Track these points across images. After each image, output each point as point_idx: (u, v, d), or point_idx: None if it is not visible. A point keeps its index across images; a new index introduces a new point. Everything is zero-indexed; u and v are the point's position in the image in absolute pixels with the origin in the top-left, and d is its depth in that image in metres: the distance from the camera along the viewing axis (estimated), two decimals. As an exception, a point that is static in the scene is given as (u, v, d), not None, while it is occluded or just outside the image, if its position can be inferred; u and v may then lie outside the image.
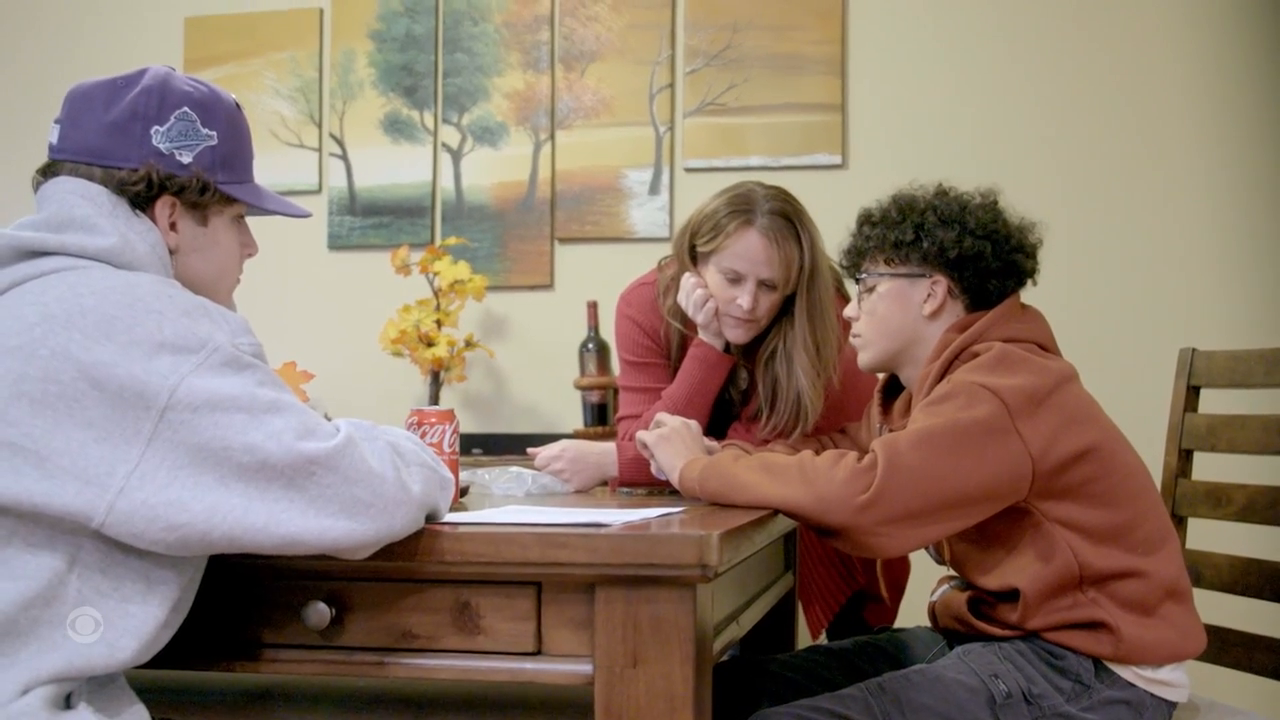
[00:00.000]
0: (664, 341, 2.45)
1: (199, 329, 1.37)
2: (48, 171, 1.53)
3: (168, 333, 1.35)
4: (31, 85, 4.17)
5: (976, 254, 1.96)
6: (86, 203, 1.47)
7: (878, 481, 1.72)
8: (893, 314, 2.01)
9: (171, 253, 1.54)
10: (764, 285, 2.29)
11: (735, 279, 2.29)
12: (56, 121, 1.54)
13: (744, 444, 2.17)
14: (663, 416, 2.12)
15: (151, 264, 1.49)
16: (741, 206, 2.29)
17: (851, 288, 2.16)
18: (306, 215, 1.73)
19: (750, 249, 2.27)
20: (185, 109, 1.54)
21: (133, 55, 4.11)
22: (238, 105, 1.62)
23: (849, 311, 2.09)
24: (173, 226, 1.54)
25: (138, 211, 1.51)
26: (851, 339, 2.09)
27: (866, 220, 2.07)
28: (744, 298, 2.28)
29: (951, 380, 1.86)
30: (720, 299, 2.31)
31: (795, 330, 2.33)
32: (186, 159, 1.54)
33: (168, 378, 1.33)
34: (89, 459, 1.31)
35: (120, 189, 1.50)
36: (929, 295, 1.98)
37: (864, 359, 2.06)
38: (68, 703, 1.34)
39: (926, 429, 1.78)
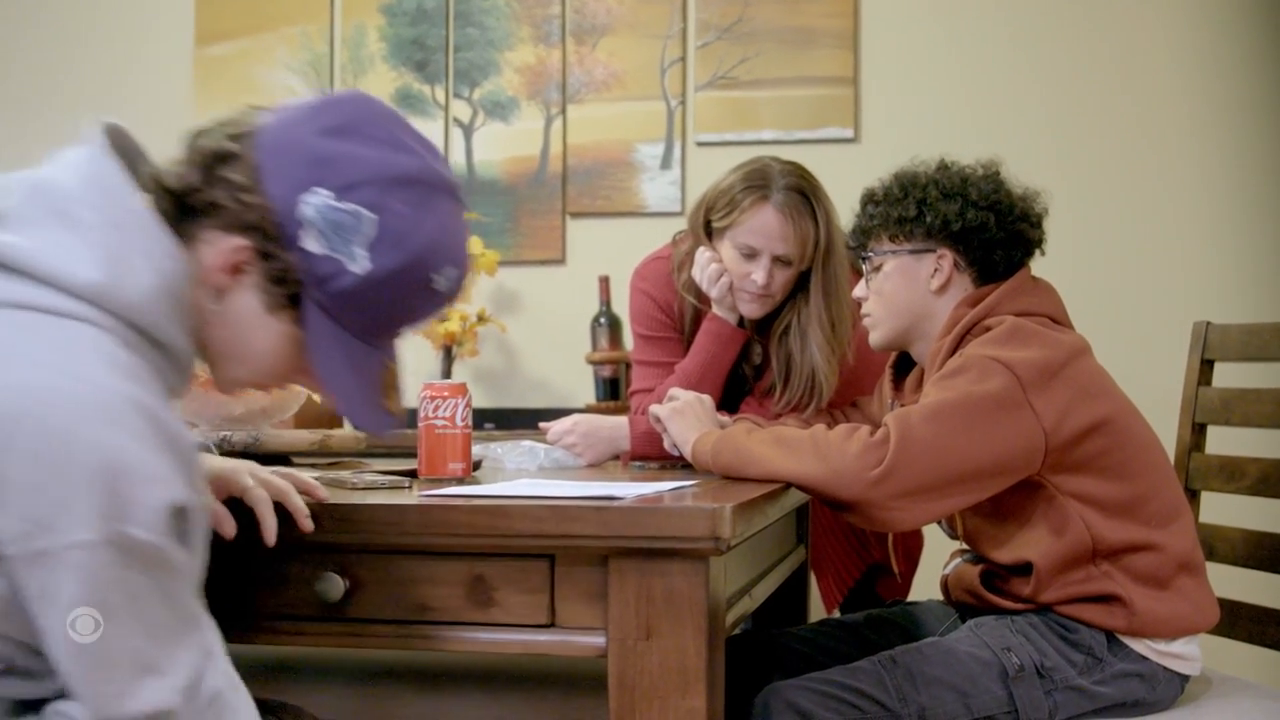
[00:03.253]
0: (678, 316, 2.45)
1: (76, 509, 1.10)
2: None
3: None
4: (41, 61, 4.16)
5: (980, 225, 1.95)
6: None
7: (890, 455, 1.72)
8: (900, 291, 2.00)
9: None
10: (779, 261, 2.29)
11: (750, 254, 2.29)
12: None
13: (757, 418, 2.17)
14: (676, 391, 2.12)
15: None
16: (757, 182, 2.28)
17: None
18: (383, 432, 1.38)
19: (766, 225, 2.27)
20: (367, 210, 1.28)
21: (143, 30, 4.11)
22: (436, 274, 1.31)
23: (858, 292, 2.08)
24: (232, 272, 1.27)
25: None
26: (862, 318, 2.09)
27: (870, 199, 2.06)
28: (759, 273, 2.28)
29: (964, 354, 1.85)
30: (735, 274, 2.31)
31: (810, 307, 2.32)
32: (316, 248, 1.25)
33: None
34: None
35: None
36: (935, 270, 1.98)
37: (875, 338, 2.06)
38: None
39: (939, 403, 1.78)
